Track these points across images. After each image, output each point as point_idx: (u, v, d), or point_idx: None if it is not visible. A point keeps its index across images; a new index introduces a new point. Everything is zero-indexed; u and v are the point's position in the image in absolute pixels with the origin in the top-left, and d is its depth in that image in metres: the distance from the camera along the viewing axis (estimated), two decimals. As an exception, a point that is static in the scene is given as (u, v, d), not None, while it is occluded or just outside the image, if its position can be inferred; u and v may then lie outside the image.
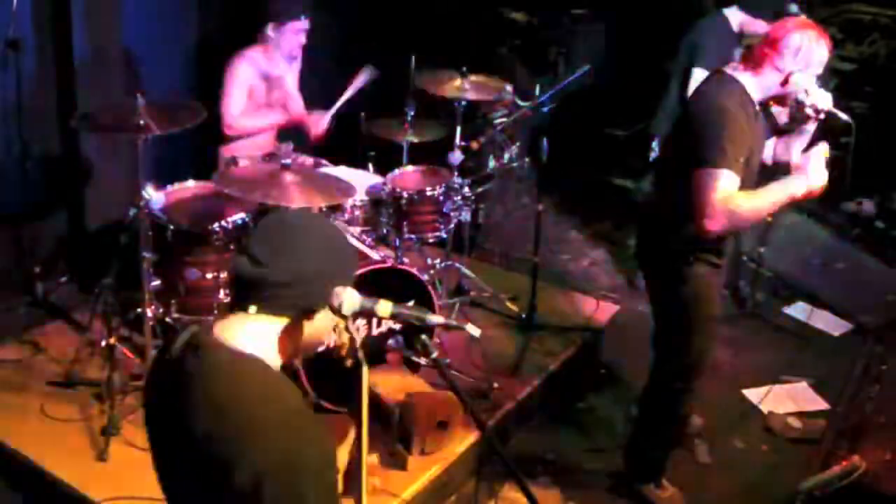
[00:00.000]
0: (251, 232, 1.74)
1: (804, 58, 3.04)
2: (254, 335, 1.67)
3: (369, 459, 1.97)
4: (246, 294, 1.67)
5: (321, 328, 1.75)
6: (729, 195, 2.92)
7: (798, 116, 3.24)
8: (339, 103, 4.55)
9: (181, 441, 1.65)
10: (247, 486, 1.53)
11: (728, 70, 3.13)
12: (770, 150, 3.44)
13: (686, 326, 3.28)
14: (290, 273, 1.65)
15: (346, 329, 1.88)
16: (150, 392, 1.77)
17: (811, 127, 3.28)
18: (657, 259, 3.32)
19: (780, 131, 3.59)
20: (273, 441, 1.56)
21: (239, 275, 1.67)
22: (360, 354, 1.86)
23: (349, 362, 1.90)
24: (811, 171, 3.17)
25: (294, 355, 1.75)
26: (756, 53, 3.11)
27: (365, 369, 1.84)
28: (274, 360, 1.69)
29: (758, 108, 3.13)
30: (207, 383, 1.62)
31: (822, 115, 3.16)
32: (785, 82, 3.08)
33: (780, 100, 3.21)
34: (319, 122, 4.56)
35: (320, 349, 1.82)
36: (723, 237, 3.14)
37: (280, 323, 1.68)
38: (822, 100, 3.11)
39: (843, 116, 3.19)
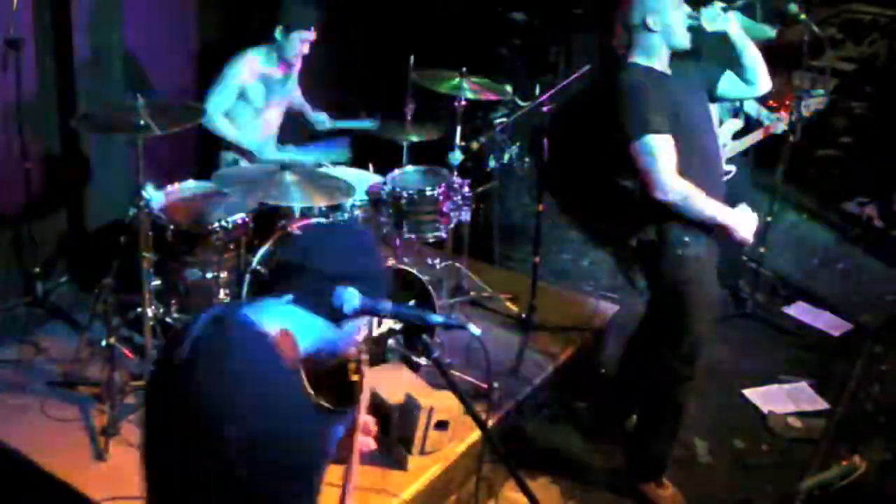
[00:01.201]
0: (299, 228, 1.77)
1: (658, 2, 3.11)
2: (282, 323, 1.61)
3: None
4: (286, 280, 1.64)
5: (349, 336, 1.72)
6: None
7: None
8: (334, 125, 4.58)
9: (184, 417, 1.54)
10: (231, 454, 1.46)
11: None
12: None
13: (684, 312, 3.30)
14: (337, 271, 1.64)
15: (366, 346, 1.86)
16: (164, 354, 1.67)
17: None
18: (653, 247, 3.31)
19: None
20: (273, 421, 1.49)
21: (284, 258, 1.65)
22: (364, 372, 1.84)
23: (355, 377, 1.87)
24: (740, 224, 3.16)
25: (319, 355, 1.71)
26: (616, 44, 3.22)
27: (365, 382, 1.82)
28: (299, 350, 1.63)
29: (666, 70, 3.20)
30: (234, 361, 1.54)
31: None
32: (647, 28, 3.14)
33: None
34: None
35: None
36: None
37: (311, 317, 1.64)
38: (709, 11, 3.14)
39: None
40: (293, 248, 1.67)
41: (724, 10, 3.16)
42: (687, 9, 3.17)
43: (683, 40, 3.18)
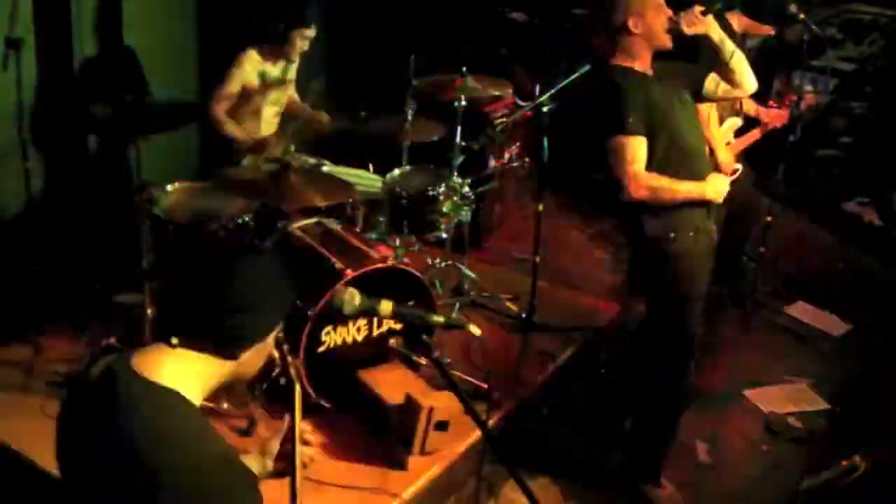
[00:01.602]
0: (181, 263, 1.67)
1: (640, 5, 3.14)
2: (174, 368, 1.59)
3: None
4: (169, 325, 1.60)
5: (249, 365, 1.69)
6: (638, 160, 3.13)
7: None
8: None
9: (92, 468, 1.58)
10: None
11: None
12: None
13: (678, 308, 3.34)
14: (216, 309, 1.58)
15: (280, 349, 1.80)
16: (63, 418, 1.69)
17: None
18: (643, 240, 3.35)
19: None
20: (182, 483, 1.49)
21: (163, 304, 1.62)
22: (293, 373, 1.82)
23: (283, 380, 1.85)
24: (711, 187, 3.27)
25: (218, 388, 1.68)
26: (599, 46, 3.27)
27: (297, 388, 1.81)
28: (194, 394, 1.61)
29: (647, 72, 3.24)
30: (121, 415, 1.54)
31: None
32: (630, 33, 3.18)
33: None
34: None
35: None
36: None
37: (202, 357, 1.61)
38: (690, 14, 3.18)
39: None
40: (173, 284, 1.61)
41: (704, 13, 3.20)
42: (668, 12, 3.21)
43: (665, 42, 3.22)
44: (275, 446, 1.94)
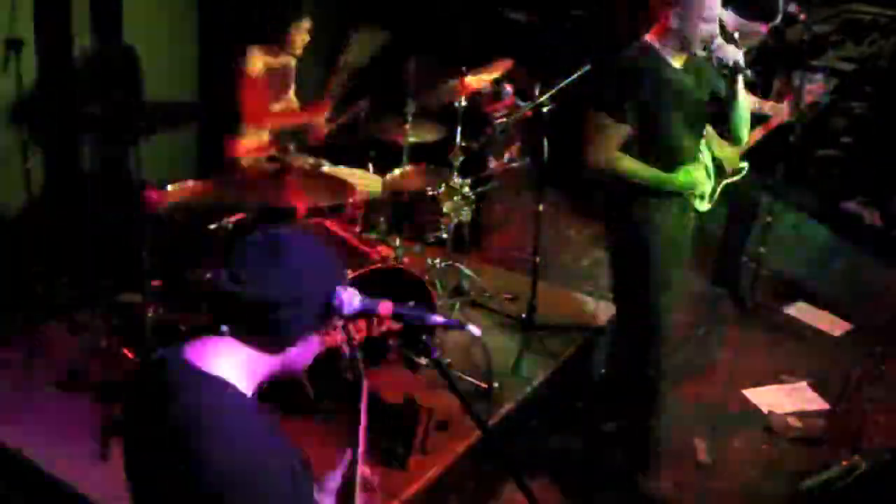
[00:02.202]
0: (236, 247, 1.65)
1: (685, 5, 3.13)
2: (225, 359, 1.60)
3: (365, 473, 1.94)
4: (220, 313, 1.61)
5: (297, 361, 1.69)
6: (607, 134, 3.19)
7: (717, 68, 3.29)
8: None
9: (150, 463, 1.60)
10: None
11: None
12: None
13: (649, 293, 3.39)
14: (273, 297, 1.57)
15: (350, 344, 1.81)
16: (125, 407, 1.72)
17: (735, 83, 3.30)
18: (614, 231, 3.46)
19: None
20: (227, 472, 1.50)
21: (215, 291, 1.59)
22: (361, 368, 1.82)
23: (349, 376, 1.85)
24: (682, 178, 3.30)
25: (268, 380, 1.68)
26: (650, 8, 3.25)
27: (365, 384, 1.81)
28: (248, 385, 1.62)
29: (674, 62, 3.23)
30: (168, 401, 1.56)
31: (729, 67, 3.21)
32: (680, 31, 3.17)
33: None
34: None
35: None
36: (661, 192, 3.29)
37: (251, 351, 1.62)
38: (731, 52, 3.18)
39: (748, 73, 3.24)
40: (225, 273, 1.58)
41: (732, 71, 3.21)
42: (716, 28, 3.17)
43: (697, 48, 3.21)
44: (335, 480, 1.92)
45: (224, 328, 1.60)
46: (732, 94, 3.32)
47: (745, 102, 3.37)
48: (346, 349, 1.82)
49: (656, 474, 3.63)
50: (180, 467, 1.52)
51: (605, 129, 3.21)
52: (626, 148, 3.23)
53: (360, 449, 1.81)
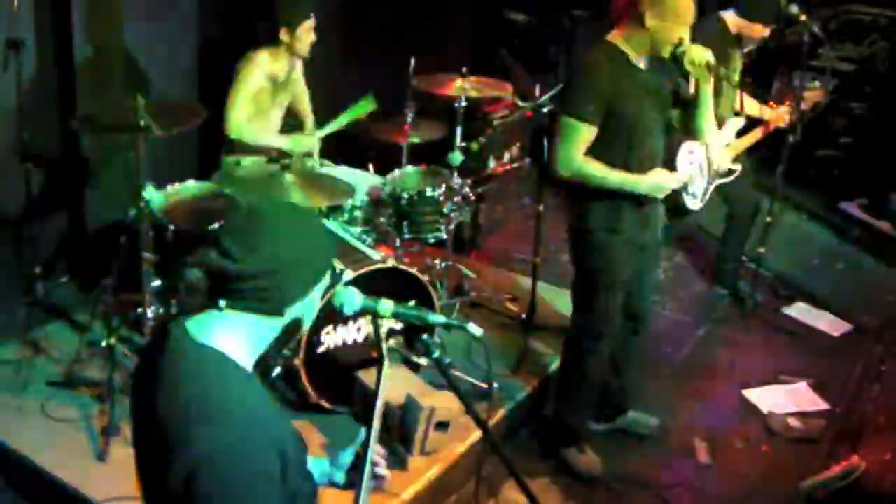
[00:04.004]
0: (220, 225, 1.72)
1: (663, 7, 3.12)
2: (224, 332, 1.64)
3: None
4: (215, 288, 1.64)
5: (302, 315, 1.73)
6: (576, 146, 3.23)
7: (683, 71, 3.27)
8: (331, 127, 4.52)
9: (146, 430, 1.64)
10: (180, 476, 1.51)
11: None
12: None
13: (590, 289, 3.48)
14: (260, 266, 1.61)
15: (375, 322, 1.84)
16: (132, 382, 1.79)
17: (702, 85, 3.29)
18: (572, 227, 3.53)
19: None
20: (215, 434, 1.53)
21: (207, 268, 1.62)
22: (385, 347, 1.85)
23: (373, 353, 1.88)
24: (650, 183, 3.30)
25: (268, 348, 1.73)
26: (616, 7, 3.27)
27: (386, 364, 1.83)
28: (245, 357, 1.67)
29: (638, 62, 3.24)
30: (170, 375, 1.61)
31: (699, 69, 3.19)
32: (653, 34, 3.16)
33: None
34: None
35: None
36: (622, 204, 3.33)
37: (252, 318, 1.65)
38: (697, 54, 3.16)
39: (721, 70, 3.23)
40: (212, 250, 1.62)
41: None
42: (686, 32, 3.17)
43: (666, 51, 3.20)
44: (347, 457, 1.97)
45: (222, 303, 1.63)
46: (698, 95, 3.33)
47: (710, 102, 3.36)
48: (373, 329, 1.85)
49: (580, 446, 3.73)
50: (178, 439, 1.54)
51: (570, 132, 3.23)
52: (592, 149, 3.25)
53: (375, 426, 1.83)
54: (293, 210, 1.78)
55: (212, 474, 1.52)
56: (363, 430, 1.85)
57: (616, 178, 3.26)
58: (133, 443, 1.72)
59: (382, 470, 1.93)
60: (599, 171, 3.24)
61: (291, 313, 1.69)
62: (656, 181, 3.30)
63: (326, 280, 1.73)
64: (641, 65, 3.26)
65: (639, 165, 3.30)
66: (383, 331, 1.85)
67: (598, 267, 3.46)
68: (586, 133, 3.22)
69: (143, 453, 1.69)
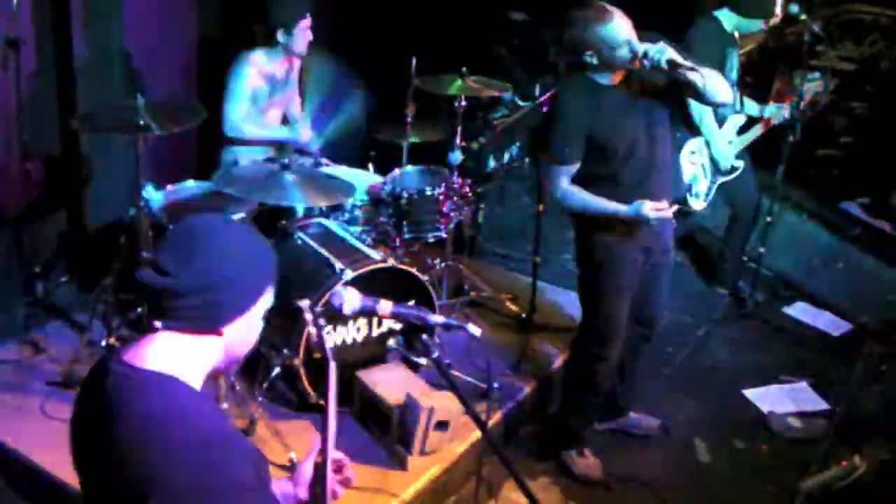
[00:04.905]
0: (160, 239, 1.66)
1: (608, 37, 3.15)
2: (164, 353, 1.58)
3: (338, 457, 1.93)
4: (153, 308, 1.58)
5: (240, 341, 1.67)
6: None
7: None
8: (329, 127, 4.53)
9: (99, 468, 1.60)
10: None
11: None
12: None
13: (594, 293, 3.51)
14: (192, 281, 1.55)
15: (315, 324, 1.79)
16: (72, 421, 1.72)
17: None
18: (576, 230, 3.56)
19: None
20: (184, 466, 1.48)
21: (143, 287, 1.56)
22: (328, 349, 1.82)
23: (317, 356, 1.86)
24: (631, 213, 3.29)
25: (219, 367, 1.66)
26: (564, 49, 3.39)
27: (332, 365, 1.80)
28: (193, 376, 1.60)
29: (608, 83, 3.27)
30: (116, 409, 1.54)
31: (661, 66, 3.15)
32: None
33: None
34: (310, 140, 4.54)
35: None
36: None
37: (193, 336, 1.59)
38: (656, 52, 3.12)
39: (686, 64, 3.14)
40: (147, 271, 1.57)
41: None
42: (635, 42, 3.15)
43: (629, 65, 3.19)
44: (307, 470, 1.90)
45: (158, 324, 1.58)
46: (679, 92, 3.32)
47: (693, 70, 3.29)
48: (314, 332, 1.80)
49: (580, 449, 3.73)
50: (123, 468, 1.51)
51: (551, 172, 3.37)
52: (581, 174, 3.33)
53: (329, 435, 1.79)
54: (230, 227, 1.71)
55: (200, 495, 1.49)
56: (319, 439, 1.82)
57: (600, 207, 3.32)
58: (78, 471, 1.68)
59: (348, 471, 1.90)
60: (581, 202, 3.34)
61: (230, 333, 1.63)
62: (637, 211, 3.26)
63: (269, 299, 1.68)
64: (614, 81, 3.26)
65: (630, 179, 3.32)
66: (325, 332, 1.81)
67: (602, 269, 3.45)
68: (567, 169, 3.33)
69: (94, 488, 1.65)
